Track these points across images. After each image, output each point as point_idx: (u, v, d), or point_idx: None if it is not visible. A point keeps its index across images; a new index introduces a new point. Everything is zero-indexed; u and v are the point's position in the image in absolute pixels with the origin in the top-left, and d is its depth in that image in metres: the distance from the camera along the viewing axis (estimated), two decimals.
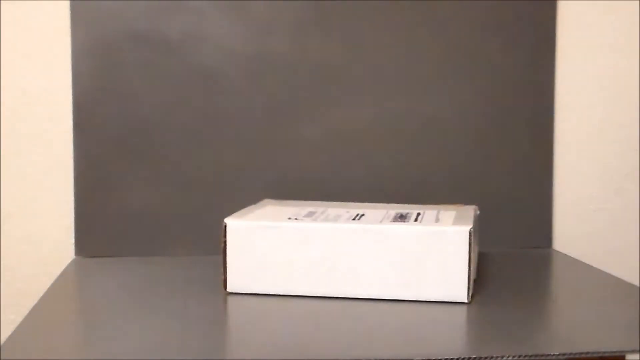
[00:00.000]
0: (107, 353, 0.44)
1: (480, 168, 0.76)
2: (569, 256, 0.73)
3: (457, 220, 0.57)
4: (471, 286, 0.56)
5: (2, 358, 0.43)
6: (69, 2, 0.72)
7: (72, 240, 0.74)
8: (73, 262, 0.70)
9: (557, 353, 0.44)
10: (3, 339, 0.73)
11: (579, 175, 0.79)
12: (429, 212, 0.62)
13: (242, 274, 0.57)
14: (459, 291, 0.55)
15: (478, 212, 0.66)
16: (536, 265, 0.69)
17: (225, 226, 0.57)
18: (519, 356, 0.44)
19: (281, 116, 0.74)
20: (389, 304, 0.55)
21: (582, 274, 0.65)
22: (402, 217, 0.59)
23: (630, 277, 0.80)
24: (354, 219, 0.58)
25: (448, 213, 0.62)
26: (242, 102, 0.73)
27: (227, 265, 0.58)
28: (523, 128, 0.76)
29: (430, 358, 0.43)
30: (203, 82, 0.72)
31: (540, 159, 0.77)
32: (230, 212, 0.74)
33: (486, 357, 0.44)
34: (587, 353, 0.44)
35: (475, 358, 0.43)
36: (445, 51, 0.75)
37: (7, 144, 0.72)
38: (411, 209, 0.64)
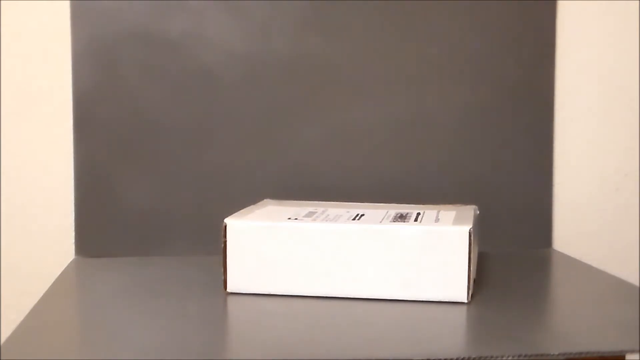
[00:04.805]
0: (107, 353, 0.44)
1: (480, 168, 0.76)
2: (569, 256, 0.73)
3: (457, 220, 0.57)
4: (471, 286, 0.56)
5: (2, 358, 0.43)
6: (69, 2, 0.72)
7: (72, 240, 0.74)
8: (73, 262, 0.70)
9: (557, 353, 0.44)
10: (3, 339, 0.73)
11: (579, 175, 0.79)
12: (429, 212, 0.62)
13: (242, 274, 0.57)
14: (459, 291, 0.55)
15: (478, 212, 0.66)
16: (536, 265, 0.69)
17: (225, 226, 0.57)
18: (519, 356, 0.44)
19: (281, 116, 0.74)
20: (389, 304, 0.55)
21: (582, 274, 0.65)
22: (402, 217, 0.59)
23: (630, 277, 0.80)
24: (354, 219, 0.58)
25: (448, 213, 0.62)
26: (242, 102, 0.73)
27: (227, 265, 0.58)
28: (523, 128, 0.76)
29: (430, 358, 0.43)
30: (203, 82, 0.72)
31: (540, 159, 0.77)
32: (230, 212, 0.74)
33: (486, 357, 0.44)
34: (587, 353, 0.44)
35: (475, 358, 0.43)
36: (445, 51, 0.75)
37: (7, 143, 0.72)
38: (411, 209, 0.64)
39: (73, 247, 0.74)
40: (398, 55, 0.74)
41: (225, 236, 0.57)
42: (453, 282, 0.55)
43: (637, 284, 0.80)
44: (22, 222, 0.73)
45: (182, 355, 0.43)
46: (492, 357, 0.44)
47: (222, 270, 0.60)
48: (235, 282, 0.58)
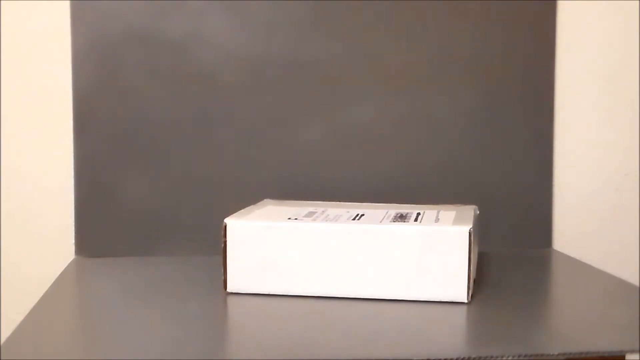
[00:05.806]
0: (107, 353, 0.44)
1: (480, 168, 0.76)
2: (569, 256, 0.73)
3: (457, 220, 0.57)
4: (471, 286, 0.56)
5: (2, 358, 0.43)
6: (69, 2, 0.72)
7: (72, 240, 0.74)
8: (73, 262, 0.70)
9: (557, 353, 0.44)
10: (3, 339, 0.73)
11: (579, 175, 0.79)
12: (429, 212, 0.62)
13: (242, 274, 0.57)
14: (459, 291, 0.55)
15: (478, 212, 0.66)
16: (536, 265, 0.69)
17: (225, 226, 0.57)
18: (519, 356, 0.44)
19: (281, 116, 0.74)
20: (389, 304, 0.55)
21: (582, 274, 0.65)
22: (402, 217, 0.59)
23: (630, 277, 0.80)
24: (354, 219, 0.58)
25: (448, 213, 0.62)
26: (242, 102, 0.73)
27: (227, 265, 0.58)
28: (523, 128, 0.76)
29: (430, 358, 0.43)
30: (203, 82, 0.72)
31: (540, 159, 0.77)
32: (230, 212, 0.74)
33: (486, 357, 0.44)
34: (587, 353, 0.44)
35: (475, 358, 0.43)
36: (445, 51, 0.75)
37: (7, 143, 0.72)
38: (411, 209, 0.64)
39: (73, 247, 0.74)
40: (398, 55, 0.74)
41: (225, 236, 0.57)
42: (453, 282, 0.55)
43: (637, 284, 0.80)
44: (22, 222, 0.73)
45: (182, 355, 0.43)
46: (492, 357, 0.44)
47: (222, 270, 0.60)
48: (235, 282, 0.58)
